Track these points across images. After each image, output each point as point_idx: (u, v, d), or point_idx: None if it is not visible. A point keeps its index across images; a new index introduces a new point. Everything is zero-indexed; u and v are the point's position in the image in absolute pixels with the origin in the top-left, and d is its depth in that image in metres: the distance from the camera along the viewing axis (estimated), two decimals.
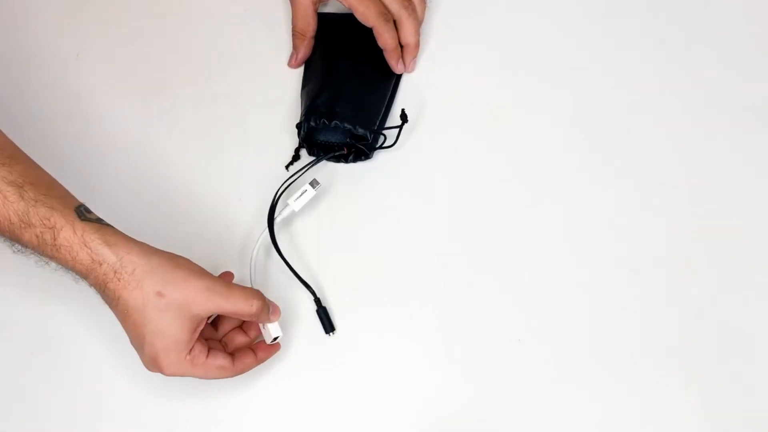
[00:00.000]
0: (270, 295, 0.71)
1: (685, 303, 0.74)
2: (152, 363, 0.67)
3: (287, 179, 0.78)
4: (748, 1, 0.87)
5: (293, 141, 0.82)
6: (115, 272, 0.65)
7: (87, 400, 0.73)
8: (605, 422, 0.71)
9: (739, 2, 0.87)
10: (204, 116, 0.84)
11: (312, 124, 0.79)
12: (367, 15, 0.80)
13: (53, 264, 0.68)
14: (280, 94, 0.84)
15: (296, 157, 0.81)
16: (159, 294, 0.65)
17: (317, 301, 0.75)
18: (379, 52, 0.85)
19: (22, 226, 0.66)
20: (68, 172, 0.79)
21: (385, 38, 0.82)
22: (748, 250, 0.76)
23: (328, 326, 0.75)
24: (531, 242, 0.77)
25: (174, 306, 0.66)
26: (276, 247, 0.76)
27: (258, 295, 0.69)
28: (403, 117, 0.80)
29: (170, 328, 0.66)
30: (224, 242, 0.78)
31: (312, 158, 0.81)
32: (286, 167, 0.81)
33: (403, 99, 0.85)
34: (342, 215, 0.79)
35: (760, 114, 0.82)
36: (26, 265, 0.77)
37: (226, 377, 0.70)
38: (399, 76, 0.86)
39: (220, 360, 0.69)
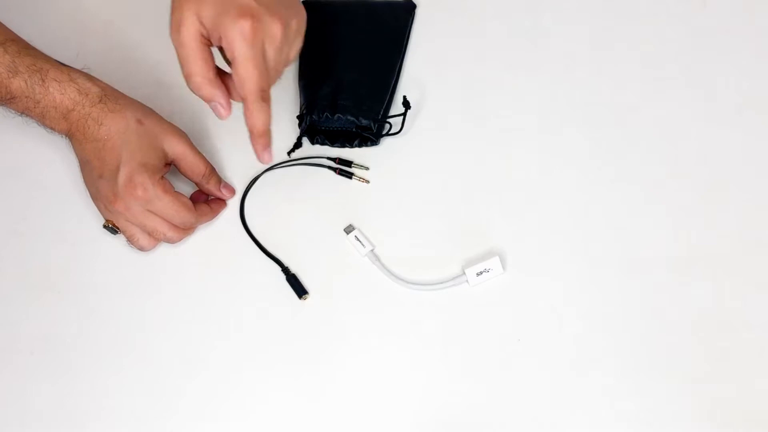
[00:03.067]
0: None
1: (686, 303, 0.73)
2: (126, 183, 0.71)
3: (281, 163, 0.81)
4: (748, 1, 0.87)
5: (294, 130, 0.82)
6: (101, 99, 0.72)
7: (87, 400, 0.73)
8: (606, 422, 0.70)
9: (739, 2, 0.87)
10: (204, 112, 0.84)
11: (314, 117, 0.80)
12: (244, 81, 0.67)
13: (36, 121, 0.73)
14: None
15: (298, 144, 0.81)
16: (139, 121, 0.73)
17: (285, 270, 0.76)
18: (378, 39, 0.84)
19: (10, 75, 0.71)
20: (68, 175, 0.80)
21: (254, 119, 0.68)
22: (751, 250, 0.75)
23: (301, 290, 0.76)
24: (531, 239, 0.77)
25: (152, 134, 0.73)
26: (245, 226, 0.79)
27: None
28: (406, 104, 0.79)
29: (147, 152, 0.72)
30: None
31: (314, 146, 0.82)
32: (288, 153, 0.81)
33: (406, 84, 0.84)
34: (344, 203, 0.80)
35: (762, 113, 0.81)
36: (26, 264, 0.77)
37: (188, 221, 0.74)
38: (401, 63, 0.84)
39: (184, 198, 0.74)
